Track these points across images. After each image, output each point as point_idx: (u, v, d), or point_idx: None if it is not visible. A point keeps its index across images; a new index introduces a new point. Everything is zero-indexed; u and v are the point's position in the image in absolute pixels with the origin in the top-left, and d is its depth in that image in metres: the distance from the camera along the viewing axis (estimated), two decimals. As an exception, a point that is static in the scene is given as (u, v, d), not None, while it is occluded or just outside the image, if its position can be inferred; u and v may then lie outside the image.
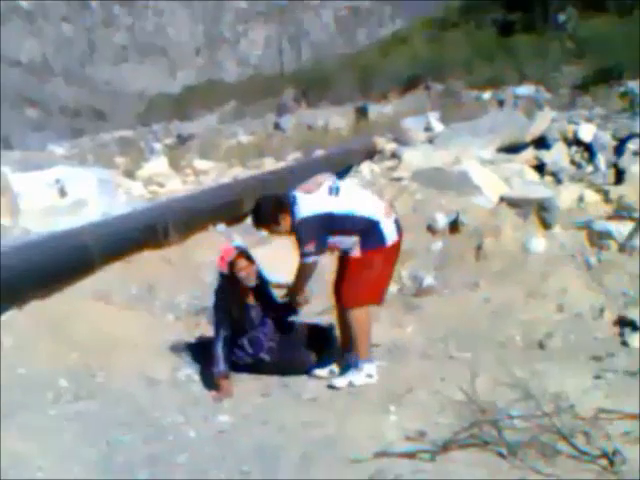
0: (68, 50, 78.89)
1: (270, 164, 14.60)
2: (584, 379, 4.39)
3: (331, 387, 4.64)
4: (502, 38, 21.40)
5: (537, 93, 16.73)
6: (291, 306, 4.96)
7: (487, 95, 17.87)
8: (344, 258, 4.71)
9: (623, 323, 5.38)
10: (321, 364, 4.90)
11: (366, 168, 12.05)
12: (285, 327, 5.03)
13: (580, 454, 3.52)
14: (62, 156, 19.85)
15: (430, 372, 4.62)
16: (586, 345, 5.11)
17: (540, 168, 11.29)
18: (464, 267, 6.62)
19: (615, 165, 10.55)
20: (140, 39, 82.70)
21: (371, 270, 4.58)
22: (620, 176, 10.09)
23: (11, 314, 5.28)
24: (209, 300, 4.99)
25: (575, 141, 11.84)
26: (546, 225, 7.18)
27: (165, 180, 14.05)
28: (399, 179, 9.76)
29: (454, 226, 7.15)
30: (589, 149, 11.52)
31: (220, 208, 8.35)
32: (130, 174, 15.12)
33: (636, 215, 7.24)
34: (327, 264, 4.97)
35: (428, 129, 15.14)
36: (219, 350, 4.70)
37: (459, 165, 9.59)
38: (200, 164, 16.40)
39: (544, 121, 12.50)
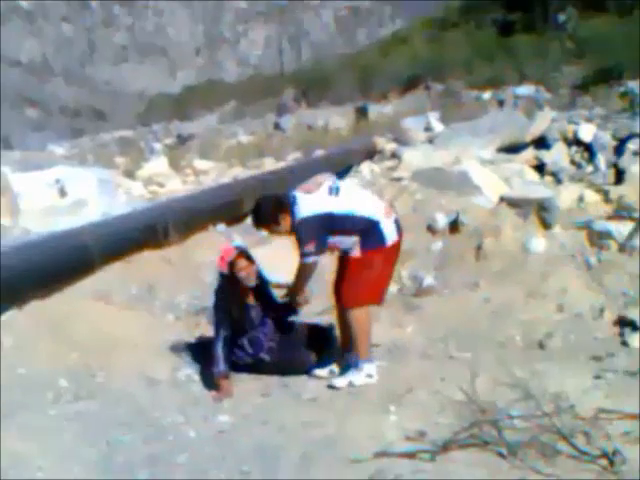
0: (68, 50, 78.88)
1: (270, 164, 14.60)
2: (584, 379, 4.39)
3: (331, 387, 4.64)
4: (502, 38, 21.40)
5: (537, 93, 16.73)
6: (291, 306, 4.96)
7: (487, 95, 17.86)
8: (344, 258, 4.71)
9: (623, 323, 5.38)
10: (321, 364, 4.90)
11: (366, 168, 12.05)
12: (285, 327, 5.03)
13: (580, 454, 3.52)
14: (62, 156, 19.85)
15: (430, 372, 4.62)
16: (586, 345, 5.11)
17: (540, 168, 11.29)
18: (464, 267, 6.62)
19: (615, 165, 10.55)
20: (140, 39, 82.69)
21: (371, 270, 4.57)
22: (620, 176, 10.09)
23: (11, 314, 5.28)
24: (209, 300, 4.99)
25: (575, 141, 11.84)
26: (546, 225, 7.18)
27: (165, 180, 14.04)
28: (399, 179, 9.76)
29: (454, 226, 7.15)
30: (589, 149, 11.52)
31: (220, 208, 8.35)
32: (130, 174, 15.12)
33: (636, 215, 7.24)
34: (327, 264, 4.97)
35: (428, 129, 15.15)
36: (219, 350, 4.70)
37: (459, 165, 9.59)
38: (200, 164, 16.40)
39: (544, 121, 12.50)
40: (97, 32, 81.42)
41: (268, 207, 4.68)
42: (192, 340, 5.43)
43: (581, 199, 8.65)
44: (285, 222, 4.62)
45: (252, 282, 4.83)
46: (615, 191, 8.62)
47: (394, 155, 12.94)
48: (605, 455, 3.47)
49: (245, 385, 4.80)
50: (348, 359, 4.77)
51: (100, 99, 72.47)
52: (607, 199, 8.72)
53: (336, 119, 18.94)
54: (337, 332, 4.99)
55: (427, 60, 21.24)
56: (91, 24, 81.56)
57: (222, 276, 4.86)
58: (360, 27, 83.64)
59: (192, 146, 19.83)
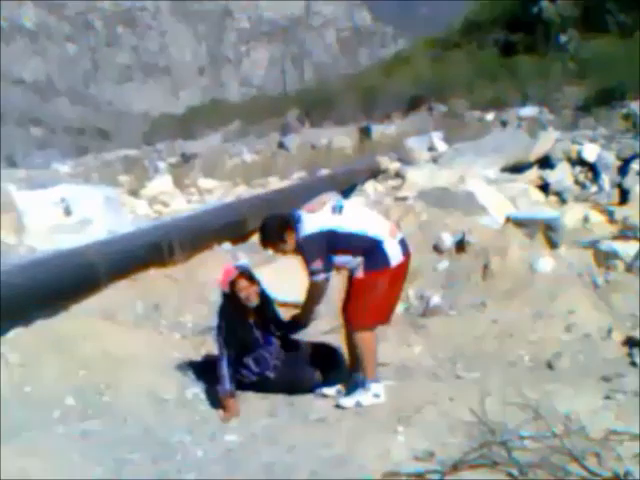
0: (72, 69, 79.44)
1: (275, 183, 14.64)
2: (594, 400, 4.35)
3: (338, 407, 4.62)
4: (504, 59, 21.50)
5: (540, 114, 16.80)
6: (296, 325, 4.95)
7: (490, 116, 17.94)
8: (350, 279, 4.70)
9: (632, 343, 5.36)
10: (328, 383, 4.88)
11: (370, 187, 12.08)
12: (290, 346, 5.02)
13: (591, 475, 3.49)
14: (66, 174, 19.90)
15: (438, 392, 4.59)
16: (595, 365, 5.08)
17: (544, 188, 11.33)
18: (471, 287, 6.60)
19: (619, 185, 10.58)
20: (144, 59, 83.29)
21: (375, 292, 4.55)
22: (624, 196, 10.12)
23: (17, 332, 5.27)
24: (214, 319, 4.98)
25: (579, 161, 11.90)
26: (552, 245, 7.18)
27: (169, 199, 14.09)
28: (404, 198, 9.78)
29: (460, 246, 7.14)
30: (593, 169, 11.56)
31: (225, 227, 8.36)
32: (134, 193, 15.17)
33: (642, 235, 7.25)
34: (334, 283, 4.95)
35: (431, 149, 15.22)
36: (224, 369, 4.68)
37: (464, 185, 9.61)
38: (204, 183, 16.47)
39: (548, 141, 12.56)
40: (101, 52, 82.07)
41: (274, 226, 4.69)
42: (199, 359, 5.42)
43: (586, 219, 8.67)
44: (290, 240, 4.62)
45: (253, 302, 4.82)
46: (620, 211, 8.64)
47: (398, 174, 13.00)
48: (616, 476, 3.45)
49: (251, 404, 4.78)
50: (355, 379, 4.75)
51: (104, 118, 72.89)
52: (612, 219, 8.74)
53: (340, 139, 19.01)
54: (345, 351, 4.97)
55: (430, 80, 21.32)
56: (95, 44, 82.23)
57: (224, 295, 4.86)
58: (362, 47, 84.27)
59: (196, 165, 19.90)
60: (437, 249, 7.28)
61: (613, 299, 6.17)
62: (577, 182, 11.53)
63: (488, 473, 3.61)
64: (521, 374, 4.99)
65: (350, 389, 4.75)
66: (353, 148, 18.41)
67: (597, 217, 8.96)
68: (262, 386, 4.91)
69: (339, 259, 4.59)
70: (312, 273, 4.54)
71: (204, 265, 7.18)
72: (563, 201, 10.81)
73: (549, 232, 7.27)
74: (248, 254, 7.42)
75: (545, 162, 12.30)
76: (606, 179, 11.06)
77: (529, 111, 17.32)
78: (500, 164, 12.23)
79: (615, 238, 7.53)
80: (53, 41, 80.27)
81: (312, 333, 5.27)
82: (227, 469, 3.84)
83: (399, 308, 5.57)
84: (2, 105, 66.63)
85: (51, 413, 4.49)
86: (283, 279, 6.06)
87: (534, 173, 12.09)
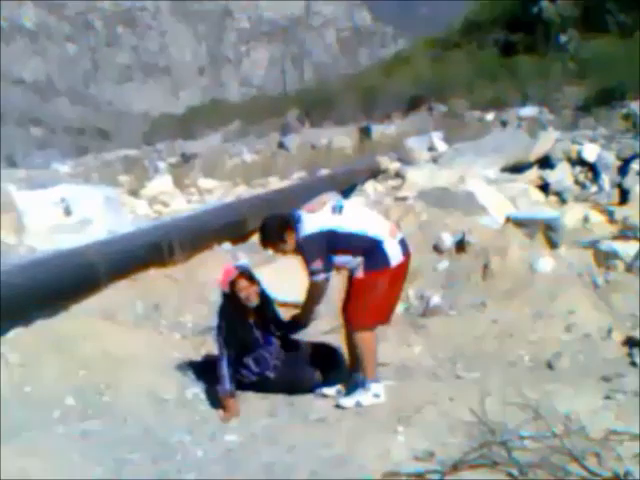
0: (72, 69, 79.44)
1: (275, 183, 14.63)
2: (594, 400, 4.36)
3: (338, 407, 4.62)
4: (504, 59, 21.49)
5: (540, 114, 16.80)
6: (296, 325, 4.95)
7: (490, 116, 17.94)
8: (350, 279, 4.70)
9: (632, 343, 5.36)
10: (328, 383, 4.89)
11: (370, 187, 12.08)
12: (290, 346, 5.02)
13: (591, 475, 3.49)
14: (66, 174, 19.90)
15: (438, 392, 4.59)
16: (595, 366, 5.08)
17: (544, 188, 11.32)
18: (471, 287, 6.60)
19: (619, 185, 10.58)
20: (144, 59, 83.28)
21: (375, 292, 4.55)
22: (624, 196, 10.12)
23: (17, 332, 5.27)
24: (214, 319, 4.98)
25: (579, 161, 11.90)
26: (552, 245, 7.18)
27: (169, 199, 14.09)
28: (404, 198, 9.78)
29: (460, 246, 7.14)
30: (593, 169, 11.56)
31: (225, 227, 8.36)
32: (134, 193, 15.17)
33: (641, 235, 7.25)
34: (334, 283, 4.96)
35: (431, 149, 15.22)
36: (224, 369, 4.69)
37: (464, 185, 9.61)
38: (204, 183, 16.47)
39: (548, 141, 12.56)
40: (101, 52, 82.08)
41: (274, 226, 4.69)
42: (199, 359, 5.42)
43: (586, 219, 8.67)
44: (290, 240, 4.62)
45: (253, 302, 4.82)
46: (620, 211, 8.63)
47: (398, 174, 13.00)
48: (616, 476, 3.45)
49: (251, 404, 4.78)
50: (355, 379, 4.75)
51: (104, 118, 72.90)
52: (612, 219, 8.74)
53: (340, 139, 19.01)
54: (345, 351, 4.97)
55: (430, 80, 21.32)
56: (95, 44, 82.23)
57: (224, 295, 4.86)
58: (362, 47, 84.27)
59: (196, 165, 19.90)
60: (437, 249, 7.28)
61: (613, 299, 6.17)
62: (577, 182, 11.53)
63: (488, 473, 3.61)
64: (521, 374, 4.99)
65: (350, 389, 4.75)
66: (353, 148, 18.41)
67: (597, 217, 8.97)
68: (262, 386, 4.91)
69: (339, 259, 4.59)
70: (312, 273, 4.54)
71: (204, 265, 7.18)
72: (563, 201, 10.81)
73: (549, 232, 7.27)
74: (248, 254, 7.42)
75: (545, 162, 12.31)
76: (606, 179, 11.06)
77: (529, 111, 17.32)
78: (500, 164, 12.23)
79: (615, 238, 7.54)
80: (53, 41, 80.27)
81: (312, 333, 5.27)
82: (227, 469, 3.84)
83: (399, 308, 5.57)
84: (2, 105, 66.66)
85: (51, 413, 4.49)
86: (283, 279, 6.06)
87: (534, 173, 12.10)
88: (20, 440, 4.01)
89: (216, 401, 4.74)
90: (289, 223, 4.63)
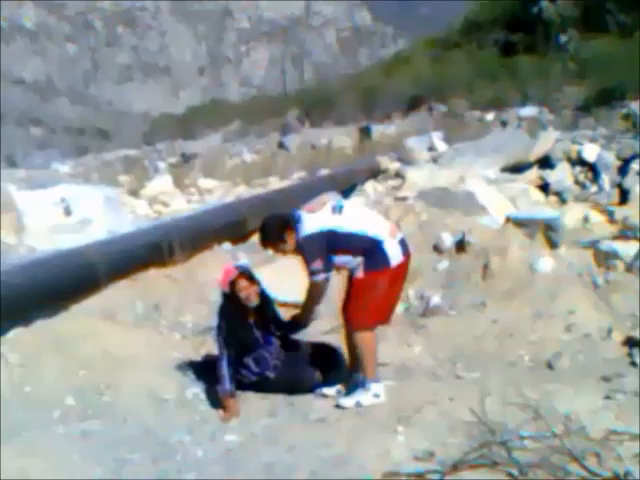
0: (72, 69, 79.45)
1: (275, 183, 14.63)
2: (594, 400, 4.36)
3: (338, 407, 4.62)
4: (504, 59, 21.49)
5: (540, 114, 16.81)
6: (296, 325, 4.95)
7: (490, 116, 17.94)
8: (350, 279, 4.71)
9: (632, 343, 5.36)
10: (328, 383, 4.89)
11: (370, 187, 12.08)
12: (290, 346, 5.02)
13: (591, 475, 3.49)
14: (66, 174, 19.91)
15: (438, 392, 4.59)
16: (595, 366, 5.08)
17: (544, 188, 11.32)
18: (471, 287, 6.60)
19: (619, 185, 10.58)
20: (144, 59, 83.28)
21: (375, 292, 4.55)
22: (624, 196, 10.12)
23: (17, 332, 5.27)
24: (214, 319, 4.99)
25: (579, 161, 11.90)
26: (552, 245, 7.18)
27: (169, 199, 14.09)
28: (404, 198, 9.78)
29: (460, 246, 7.14)
30: (593, 169, 11.56)
31: (225, 227, 8.36)
32: (134, 193, 15.17)
33: (641, 235, 7.25)
34: (334, 283, 4.96)
35: (431, 149, 15.22)
36: (224, 369, 4.69)
37: (464, 185, 9.61)
38: (204, 183, 16.47)
39: (548, 141, 12.56)
40: (101, 52, 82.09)
41: (274, 226, 4.69)
42: (199, 359, 5.42)
43: (586, 219, 8.67)
44: (290, 240, 4.62)
45: (253, 302, 4.82)
46: (620, 211, 8.63)
47: (398, 174, 13.00)
48: (617, 476, 3.45)
49: (251, 404, 4.78)
50: (355, 379, 4.75)
51: (104, 118, 72.91)
52: (612, 219, 8.74)
53: (340, 139, 19.01)
54: (345, 351, 4.97)
55: (430, 80, 21.32)
56: (95, 44, 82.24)
57: (224, 295, 4.86)
58: (362, 47, 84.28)
59: (196, 165, 19.90)
60: (437, 249, 7.28)
61: (613, 299, 6.17)
62: (577, 182, 11.53)
63: (488, 473, 3.61)
64: (521, 374, 4.99)
65: (350, 389, 4.75)
66: (353, 148, 18.41)
67: (597, 217, 8.97)
68: (262, 386, 4.91)
69: (339, 259, 4.60)
70: (312, 273, 4.54)
71: (204, 265, 7.18)
72: (563, 201, 10.81)
73: (549, 232, 7.28)
74: (248, 254, 7.42)
75: (545, 162, 12.31)
76: (606, 179, 11.06)
77: (529, 111, 17.32)
78: (500, 164, 12.23)
79: (615, 238, 7.54)
80: (53, 41, 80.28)
81: (312, 333, 5.27)
82: (227, 469, 3.84)
83: (399, 308, 5.57)
84: (2, 105, 66.67)
85: (51, 413, 4.49)
86: (283, 279, 6.06)
87: (534, 173, 12.10)
88: (20, 440, 4.01)
89: (216, 401, 4.74)
90: (289, 223, 4.63)
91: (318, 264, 4.51)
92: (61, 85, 78.26)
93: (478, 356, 5.41)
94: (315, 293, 4.64)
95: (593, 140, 12.72)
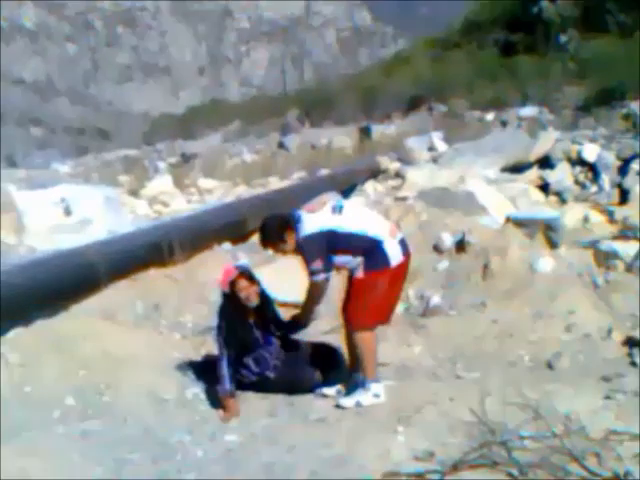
0: (72, 69, 79.46)
1: (275, 183, 14.64)
2: (594, 400, 4.36)
3: (338, 407, 4.62)
4: (504, 58, 21.49)
5: (540, 114, 16.81)
6: (296, 325, 4.95)
7: (490, 116, 17.95)
8: (350, 279, 4.71)
9: (632, 343, 5.36)
10: (328, 383, 4.89)
11: (370, 187, 12.08)
12: (290, 346, 5.03)
13: (591, 475, 3.49)
14: (66, 174, 19.91)
15: (438, 392, 4.59)
16: (595, 366, 5.08)
17: (544, 188, 11.32)
18: (471, 287, 6.60)
19: (619, 185, 10.58)
20: (144, 59, 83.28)
21: (375, 292, 4.55)
22: (624, 196, 10.12)
23: (17, 332, 5.27)
24: (214, 319, 4.99)
25: (579, 161, 11.90)
26: (552, 245, 7.19)
27: (169, 199, 14.09)
28: (404, 198, 9.78)
29: (460, 246, 7.14)
30: (593, 169, 11.56)
31: (225, 227, 8.36)
32: (134, 193, 15.17)
33: (641, 235, 7.25)
34: (334, 283, 4.96)
35: (431, 149, 15.22)
36: (224, 369, 4.69)
37: (464, 185, 9.61)
38: (204, 183, 16.47)
39: (548, 141, 12.56)
40: (101, 52, 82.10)
41: (274, 226, 4.69)
42: (199, 359, 5.42)
43: (586, 219, 8.67)
44: (290, 240, 4.62)
45: (253, 302, 4.82)
46: (620, 211, 8.63)
47: (398, 174, 13.00)
48: (616, 476, 3.45)
49: (251, 404, 4.78)
50: (355, 379, 4.76)
51: (104, 118, 72.92)
52: (612, 219, 8.74)
53: (340, 139, 19.02)
54: (345, 351, 4.97)
55: (430, 80, 21.32)
56: (95, 44, 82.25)
57: (224, 295, 4.86)
58: (362, 47, 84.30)
59: (196, 165, 19.90)
60: (437, 249, 7.28)
61: (613, 299, 6.17)
62: (577, 182, 11.53)
63: (488, 473, 3.61)
64: (521, 374, 4.99)
65: (350, 389, 4.75)
66: (353, 148, 18.41)
67: (597, 217, 8.97)
68: (262, 386, 4.91)
69: (339, 259, 4.60)
70: (312, 273, 4.54)
71: (204, 265, 7.18)
72: (563, 201, 10.81)
73: (549, 232, 7.28)
74: (248, 254, 7.42)
75: (545, 162, 12.31)
76: (606, 179, 11.07)
77: (529, 111, 17.32)
78: (500, 164, 12.24)
79: (615, 238, 7.54)
80: (53, 41, 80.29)
81: (312, 333, 5.27)
82: (227, 469, 3.84)
83: (399, 308, 5.57)
84: (2, 105, 66.69)
85: (51, 413, 4.49)
86: (283, 279, 6.06)
87: (534, 173, 12.10)
88: (20, 440, 4.01)
89: (216, 401, 4.74)
90: (289, 223, 4.63)
91: (318, 264, 4.51)
92: (61, 85, 78.26)
93: (478, 356, 5.41)
94: (315, 293, 4.64)
95: (593, 140, 12.72)
